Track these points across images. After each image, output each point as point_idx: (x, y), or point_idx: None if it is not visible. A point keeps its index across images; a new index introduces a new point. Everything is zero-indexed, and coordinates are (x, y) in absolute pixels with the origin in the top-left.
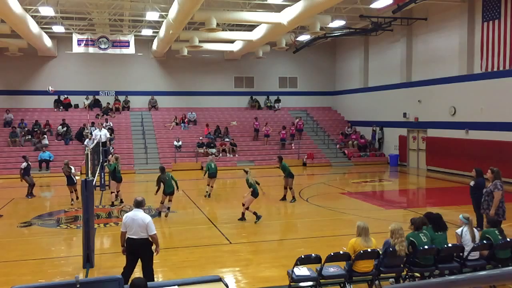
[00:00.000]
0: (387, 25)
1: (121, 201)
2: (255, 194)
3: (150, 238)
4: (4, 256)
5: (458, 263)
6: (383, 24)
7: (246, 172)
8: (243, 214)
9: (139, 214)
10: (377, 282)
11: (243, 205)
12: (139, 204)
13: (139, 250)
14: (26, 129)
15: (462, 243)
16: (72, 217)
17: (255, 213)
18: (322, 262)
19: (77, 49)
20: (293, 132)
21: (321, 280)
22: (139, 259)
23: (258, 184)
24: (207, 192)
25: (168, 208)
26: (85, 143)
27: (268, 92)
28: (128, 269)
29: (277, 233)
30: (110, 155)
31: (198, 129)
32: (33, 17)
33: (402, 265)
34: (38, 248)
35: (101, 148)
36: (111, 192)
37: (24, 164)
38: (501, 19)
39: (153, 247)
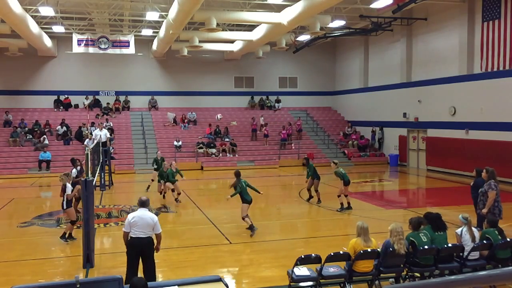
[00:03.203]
0: (387, 25)
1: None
2: (346, 183)
3: (154, 237)
4: (4, 256)
5: (458, 263)
6: (383, 24)
7: (336, 163)
8: (346, 203)
9: (147, 213)
10: (377, 282)
11: (339, 196)
12: (144, 204)
13: (145, 249)
14: (26, 129)
15: (462, 243)
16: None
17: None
18: (322, 262)
19: (77, 49)
20: (289, 132)
21: (321, 280)
22: (140, 258)
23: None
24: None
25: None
26: (85, 143)
27: (268, 92)
28: (134, 270)
29: (277, 233)
30: (165, 163)
31: (198, 129)
32: (33, 17)
33: (402, 265)
34: (38, 248)
35: (101, 148)
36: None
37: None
38: (501, 19)
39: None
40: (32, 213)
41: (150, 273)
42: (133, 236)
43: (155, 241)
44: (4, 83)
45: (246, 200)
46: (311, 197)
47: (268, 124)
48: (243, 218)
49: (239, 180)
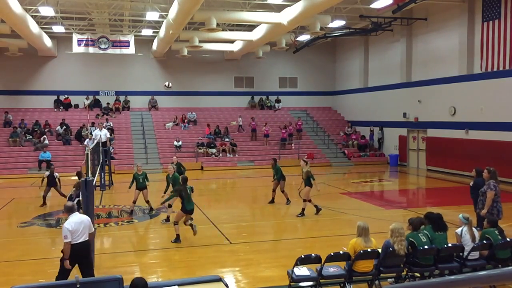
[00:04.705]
0: (387, 25)
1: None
2: (310, 184)
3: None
4: (4, 256)
5: (458, 263)
6: (383, 24)
7: (306, 163)
8: (303, 208)
9: (82, 217)
10: (377, 282)
11: (308, 200)
12: (72, 209)
13: (87, 251)
14: (26, 128)
15: (462, 243)
16: None
17: (316, 206)
18: (322, 262)
19: (77, 49)
20: (290, 132)
21: (321, 280)
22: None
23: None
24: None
25: (192, 226)
26: (85, 143)
27: (268, 92)
28: (67, 275)
29: (277, 233)
30: (171, 164)
31: (198, 129)
32: (33, 17)
33: (402, 265)
34: (38, 248)
35: (101, 148)
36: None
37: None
38: (501, 19)
39: None
40: (32, 213)
41: (91, 270)
42: (76, 242)
43: None
44: (4, 83)
45: (186, 209)
46: (273, 199)
47: (267, 123)
48: (175, 223)
49: (184, 187)
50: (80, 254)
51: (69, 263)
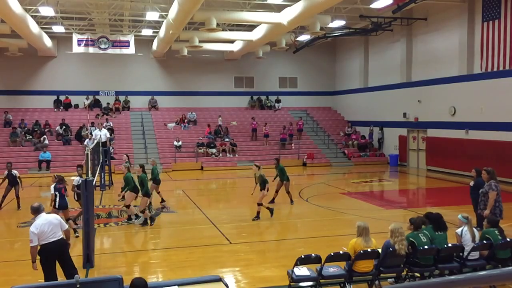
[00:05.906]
0: (387, 25)
1: (162, 200)
2: (265, 187)
3: (63, 234)
4: (4, 256)
5: (458, 263)
6: (383, 24)
7: (258, 167)
8: (258, 212)
9: (48, 217)
10: (377, 282)
11: (260, 204)
12: (39, 210)
13: (61, 251)
14: (26, 128)
15: (462, 243)
16: (72, 217)
17: (268, 208)
18: (322, 262)
19: (77, 49)
20: (291, 132)
21: (321, 280)
22: (56, 262)
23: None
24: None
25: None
26: (85, 143)
27: (268, 92)
28: (53, 274)
29: (277, 233)
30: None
31: (198, 129)
32: (33, 17)
33: (402, 265)
34: None
35: (101, 148)
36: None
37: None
38: (501, 19)
39: None
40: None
41: (72, 269)
42: (46, 242)
43: None
44: (4, 83)
45: (148, 193)
46: (273, 199)
47: (267, 123)
48: (142, 212)
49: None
50: (55, 253)
51: (44, 260)
